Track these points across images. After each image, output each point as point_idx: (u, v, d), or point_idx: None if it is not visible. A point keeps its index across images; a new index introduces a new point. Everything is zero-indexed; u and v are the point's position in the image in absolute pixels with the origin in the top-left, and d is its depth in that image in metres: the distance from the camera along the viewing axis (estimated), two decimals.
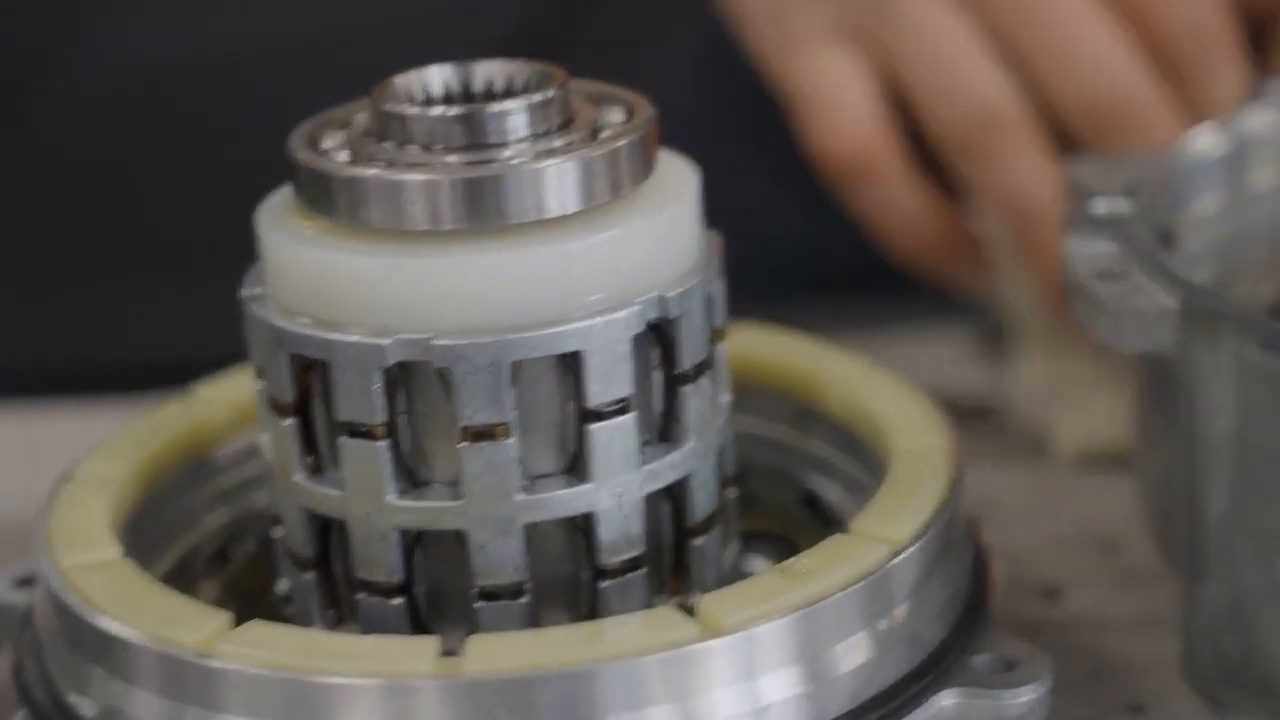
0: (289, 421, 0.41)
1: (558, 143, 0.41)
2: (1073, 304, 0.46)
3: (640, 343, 0.41)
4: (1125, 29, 0.59)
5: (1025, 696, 0.40)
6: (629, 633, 0.38)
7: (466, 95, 0.43)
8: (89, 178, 0.77)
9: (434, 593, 0.41)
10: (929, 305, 0.73)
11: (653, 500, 0.42)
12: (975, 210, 0.69)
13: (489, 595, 0.40)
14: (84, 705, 0.40)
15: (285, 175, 0.43)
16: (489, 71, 0.42)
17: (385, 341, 0.39)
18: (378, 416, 0.40)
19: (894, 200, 0.65)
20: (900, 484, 0.42)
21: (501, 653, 0.37)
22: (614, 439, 0.41)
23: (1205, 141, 0.50)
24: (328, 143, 0.42)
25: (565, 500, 0.41)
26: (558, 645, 0.37)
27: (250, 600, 0.45)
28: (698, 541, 0.43)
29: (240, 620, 0.39)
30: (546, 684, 0.37)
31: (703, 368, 0.42)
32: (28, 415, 0.67)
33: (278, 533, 0.43)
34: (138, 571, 0.41)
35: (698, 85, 0.80)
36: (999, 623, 0.47)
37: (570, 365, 0.40)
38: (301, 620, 0.42)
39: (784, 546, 0.48)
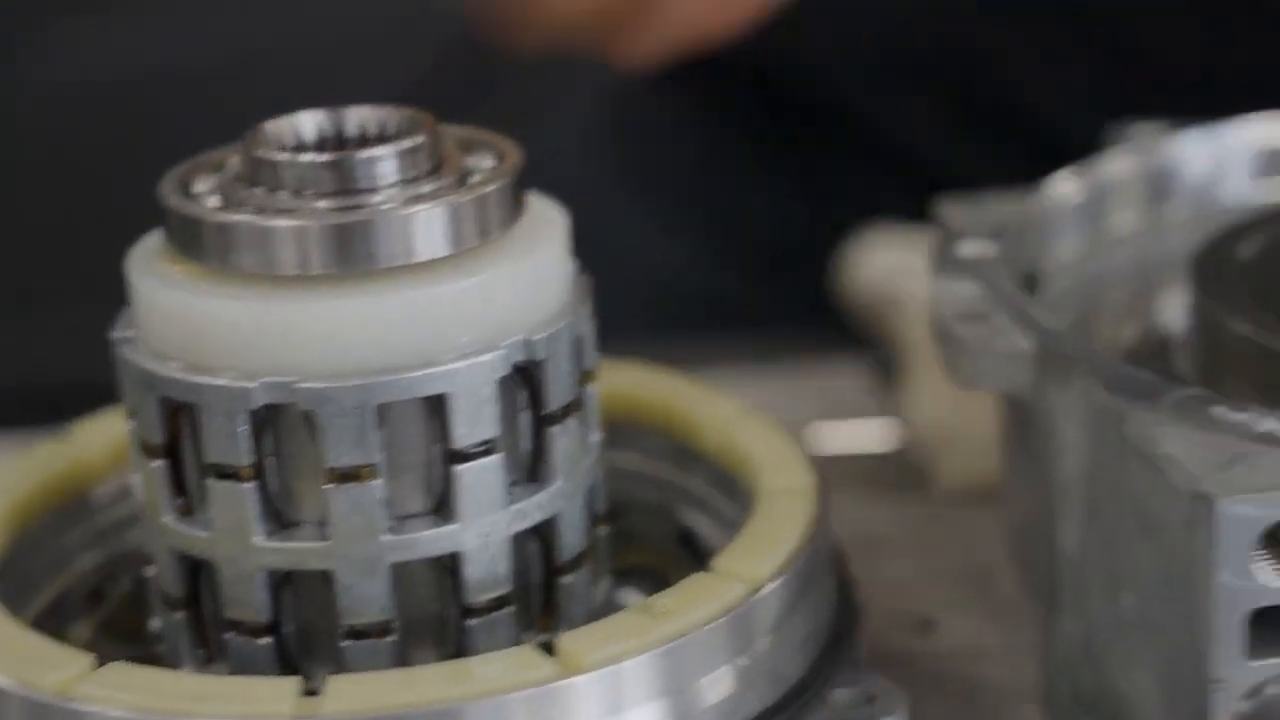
0: (158, 463, 0.41)
1: (427, 188, 0.41)
2: (937, 344, 0.47)
3: (507, 385, 0.41)
4: None
5: None
6: (489, 672, 0.38)
7: (339, 140, 0.43)
8: None
9: (302, 632, 0.41)
10: (826, 339, 0.74)
11: (521, 539, 0.42)
12: (855, 264, 0.70)
13: (356, 634, 0.40)
14: None
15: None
16: (360, 117, 0.43)
17: (251, 385, 0.39)
18: (244, 459, 0.40)
19: None
20: (763, 523, 0.43)
21: (361, 692, 0.37)
22: (480, 480, 0.41)
23: (1069, 186, 0.51)
24: (200, 186, 0.42)
25: (432, 540, 0.41)
26: (417, 685, 0.37)
27: (126, 639, 0.45)
28: (566, 579, 0.43)
29: (111, 660, 0.39)
30: None
31: (571, 409, 0.42)
32: None
33: (150, 572, 0.43)
34: (3, 613, 0.41)
35: (597, 136, 0.81)
36: (866, 656, 0.48)
37: (437, 407, 0.40)
38: (172, 659, 0.42)
39: (659, 582, 0.48)
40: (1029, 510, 0.46)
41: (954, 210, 0.51)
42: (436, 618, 0.42)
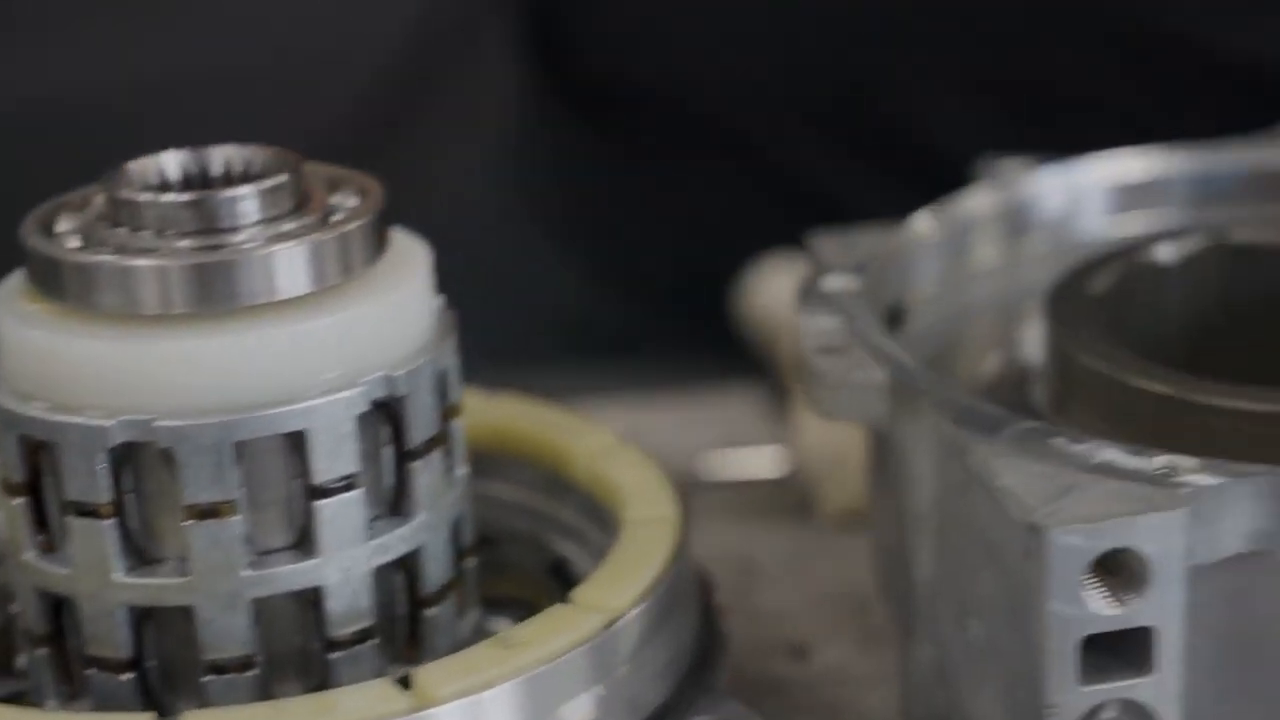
0: (20, 501, 0.41)
1: (290, 226, 0.41)
2: (801, 376, 0.48)
3: (368, 420, 0.41)
4: None
5: None
6: (344, 705, 0.38)
7: (204, 179, 0.43)
8: None
9: (165, 667, 0.41)
10: (721, 366, 0.75)
11: (384, 572, 0.42)
12: (749, 293, 0.71)
13: (217, 669, 0.40)
14: None
15: None
16: (225, 156, 0.43)
17: (109, 423, 0.39)
18: (103, 496, 0.40)
19: None
20: (624, 554, 0.43)
21: None
22: (340, 514, 0.41)
23: (931, 221, 0.51)
24: (62, 226, 0.42)
25: (292, 575, 0.41)
26: (268, 719, 0.38)
27: None
28: (431, 611, 0.43)
29: None
30: None
31: (433, 443, 0.43)
32: None
33: (16, 608, 0.43)
34: None
35: (498, 168, 0.82)
36: (739, 682, 0.48)
37: (297, 444, 0.40)
38: (37, 696, 0.42)
39: (530, 612, 0.48)
40: (890, 538, 0.47)
41: (825, 243, 0.52)
42: (300, 651, 0.42)
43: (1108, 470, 0.39)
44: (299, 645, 0.42)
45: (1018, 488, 0.38)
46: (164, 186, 0.42)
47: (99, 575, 0.40)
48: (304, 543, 0.41)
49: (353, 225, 0.42)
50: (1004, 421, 0.40)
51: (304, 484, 0.41)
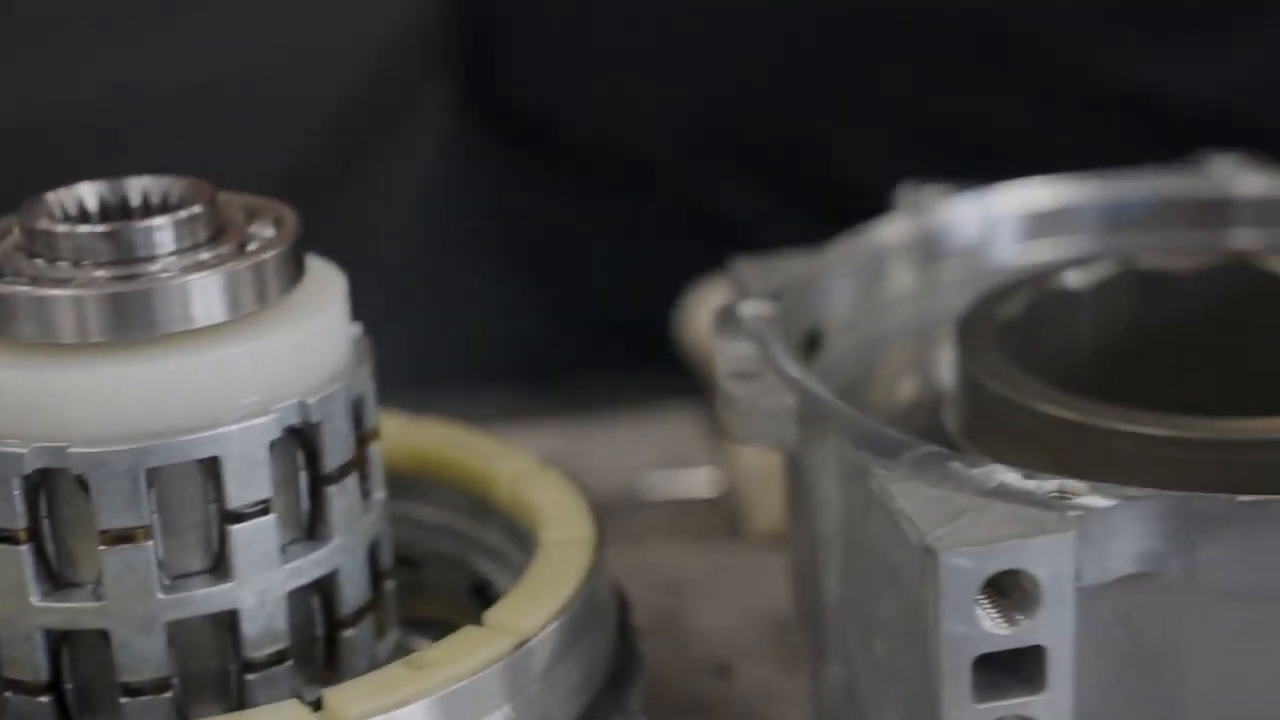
0: None
1: (205, 256, 0.42)
2: (717, 401, 0.48)
3: (282, 446, 0.42)
4: None
5: None
6: None
7: (123, 210, 0.43)
8: None
9: (82, 690, 0.42)
10: (661, 388, 0.76)
11: (301, 594, 0.43)
12: (686, 317, 0.72)
13: (133, 691, 0.41)
14: None
15: None
16: (141, 187, 0.43)
17: (23, 450, 0.40)
18: (19, 522, 0.40)
19: None
20: (537, 576, 0.44)
21: None
22: (255, 539, 0.41)
23: (848, 248, 0.52)
24: None
25: (208, 598, 0.41)
26: None
27: None
28: (348, 633, 0.44)
29: None
30: None
31: (348, 468, 0.43)
32: None
33: None
34: None
35: (440, 206, 0.83)
36: (663, 700, 0.49)
37: (211, 469, 0.41)
38: None
39: (450, 632, 0.49)
40: (802, 560, 0.47)
41: (746, 269, 0.53)
42: (217, 673, 0.42)
43: (1002, 494, 0.39)
44: (216, 667, 0.42)
45: (913, 511, 0.38)
46: (82, 217, 0.43)
47: (16, 600, 0.40)
48: (219, 567, 0.41)
49: (268, 254, 0.42)
50: (903, 446, 0.41)
51: (219, 509, 0.41)
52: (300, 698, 0.41)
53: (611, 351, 0.79)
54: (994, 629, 0.37)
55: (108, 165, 0.46)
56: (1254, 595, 0.38)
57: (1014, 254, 0.53)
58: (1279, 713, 0.39)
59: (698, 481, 0.67)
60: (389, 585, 0.46)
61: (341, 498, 0.43)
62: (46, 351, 0.41)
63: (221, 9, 0.76)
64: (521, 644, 0.41)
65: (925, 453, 0.41)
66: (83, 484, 0.40)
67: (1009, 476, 0.40)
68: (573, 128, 0.81)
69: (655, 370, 0.73)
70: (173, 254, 0.41)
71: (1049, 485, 0.39)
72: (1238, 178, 0.54)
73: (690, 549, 0.64)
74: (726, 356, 0.48)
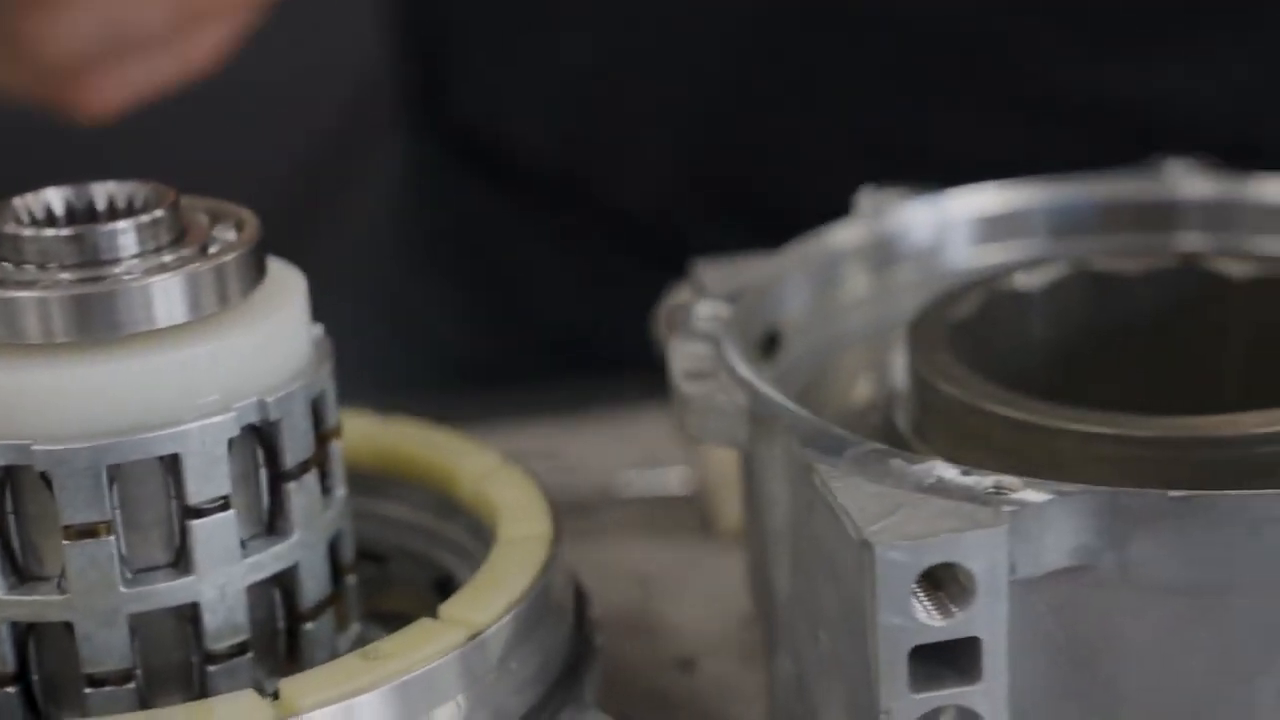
0: None
1: (168, 258, 0.42)
2: (672, 400, 0.49)
3: (241, 443, 0.43)
4: None
5: None
6: (210, 715, 0.39)
7: (89, 213, 0.44)
8: None
9: (48, 681, 0.42)
10: (636, 388, 0.76)
11: (262, 588, 0.43)
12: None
13: (97, 682, 0.41)
14: None
15: None
16: (106, 192, 0.44)
17: None
18: None
19: None
20: (493, 570, 0.44)
21: None
22: (215, 534, 0.42)
23: (804, 251, 0.52)
24: None
25: (170, 592, 0.42)
26: None
27: None
28: (309, 626, 0.44)
29: None
30: None
31: (307, 465, 0.44)
32: None
33: None
34: None
35: (403, 214, 0.84)
36: (627, 693, 0.49)
37: (172, 466, 0.42)
38: None
39: None
40: (756, 556, 0.48)
41: (706, 271, 0.53)
42: (180, 665, 0.43)
43: (940, 489, 0.40)
44: (178, 659, 0.43)
45: (852, 506, 0.39)
46: (49, 221, 0.44)
47: None
48: (181, 561, 0.42)
49: (229, 257, 0.43)
50: (847, 444, 0.42)
51: (179, 505, 0.42)
52: (261, 689, 0.41)
53: (552, 361, 0.81)
54: (929, 621, 0.38)
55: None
56: (1184, 589, 0.39)
57: (968, 257, 0.54)
58: (1210, 704, 0.39)
59: (671, 480, 0.68)
60: (350, 580, 0.46)
61: (301, 494, 0.43)
62: (12, 352, 0.41)
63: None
64: (474, 636, 0.42)
65: (867, 450, 0.41)
66: (46, 480, 0.41)
67: (947, 472, 0.40)
68: (526, 152, 0.82)
69: (632, 374, 0.74)
70: (136, 256, 0.42)
71: (986, 481, 0.40)
72: (1186, 182, 0.55)
73: (661, 546, 0.64)
74: (681, 356, 0.48)
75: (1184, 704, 0.40)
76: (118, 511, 0.41)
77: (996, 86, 0.70)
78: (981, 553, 0.38)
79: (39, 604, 0.41)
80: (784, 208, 0.70)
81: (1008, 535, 0.38)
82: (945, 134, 0.62)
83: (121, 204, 0.44)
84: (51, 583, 0.42)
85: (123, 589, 0.41)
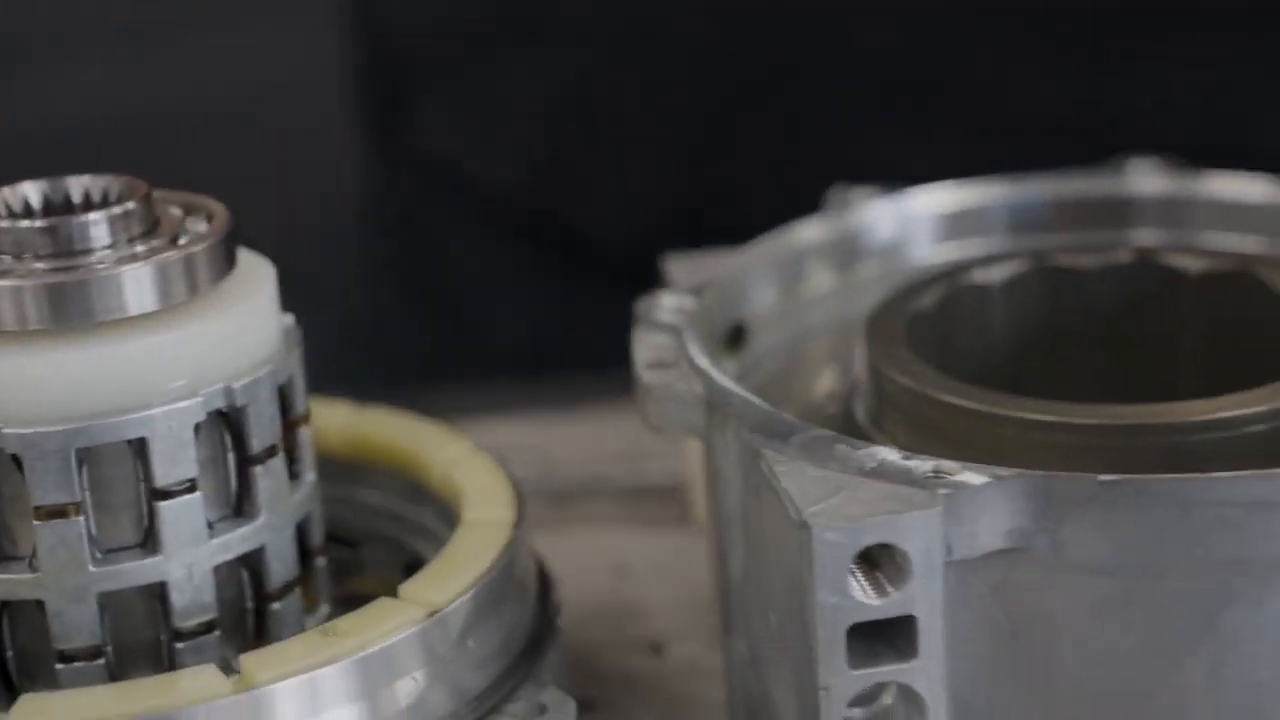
0: None
1: (139, 248, 0.44)
2: (634, 389, 0.50)
3: (208, 428, 0.43)
4: None
5: None
6: (168, 688, 0.40)
7: (66, 205, 0.45)
8: None
9: (22, 657, 0.43)
10: (625, 382, 0.77)
11: (229, 568, 0.44)
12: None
13: (68, 658, 0.42)
14: None
15: None
16: (81, 185, 0.45)
17: None
18: None
19: None
20: (454, 552, 0.45)
21: (47, 711, 0.39)
22: (182, 515, 0.43)
23: (771, 247, 0.53)
24: None
25: (138, 571, 0.43)
26: (100, 702, 0.39)
27: None
28: (276, 606, 0.45)
29: None
30: None
31: (274, 450, 0.45)
32: None
33: None
34: None
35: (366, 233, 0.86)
36: (597, 673, 0.50)
37: (140, 450, 0.43)
38: None
39: None
40: (715, 540, 0.49)
41: (678, 266, 0.54)
42: (149, 642, 0.44)
43: (880, 473, 0.40)
44: (147, 636, 0.44)
45: (794, 489, 0.40)
46: (26, 213, 0.45)
47: None
48: (149, 541, 0.43)
49: (199, 247, 0.44)
50: (794, 430, 0.42)
51: (148, 487, 0.43)
52: (228, 666, 0.42)
53: (584, 345, 0.81)
54: (866, 599, 0.39)
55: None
56: (1116, 571, 0.39)
57: (930, 254, 0.54)
58: (1141, 682, 0.40)
59: (655, 472, 0.69)
60: (319, 562, 0.47)
61: (267, 478, 0.44)
62: None
63: (148, 53, 0.78)
64: (433, 614, 0.42)
65: (813, 436, 0.42)
66: (17, 463, 0.42)
67: (889, 456, 0.41)
68: (489, 179, 0.83)
69: (621, 370, 0.75)
70: (108, 247, 0.43)
71: (925, 465, 0.40)
72: (1141, 179, 0.55)
73: (640, 534, 0.65)
74: (645, 346, 0.49)
75: (1117, 683, 0.40)
76: (87, 493, 0.42)
77: (970, 108, 0.70)
78: (917, 534, 0.39)
79: (11, 582, 0.42)
80: (755, 232, 0.71)
81: (943, 517, 0.39)
82: (922, 160, 0.63)
83: (96, 197, 0.45)
84: (24, 562, 0.43)
85: (92, 568, 0.42)
